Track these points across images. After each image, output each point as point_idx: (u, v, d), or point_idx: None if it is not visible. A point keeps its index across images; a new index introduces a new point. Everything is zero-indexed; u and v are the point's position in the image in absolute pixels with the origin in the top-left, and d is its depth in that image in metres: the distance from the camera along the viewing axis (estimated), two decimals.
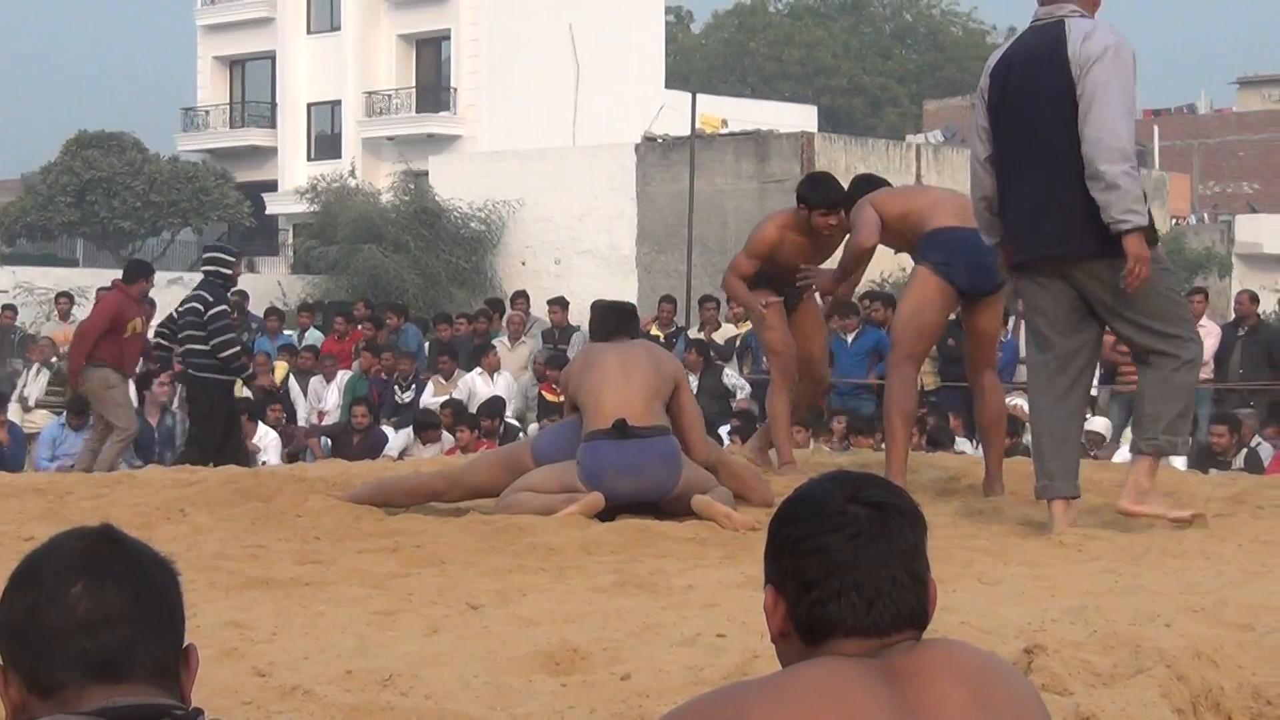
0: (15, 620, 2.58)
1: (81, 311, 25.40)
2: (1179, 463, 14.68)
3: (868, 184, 10.20)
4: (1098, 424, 16.28)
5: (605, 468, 8.63)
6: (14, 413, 19.41)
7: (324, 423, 20.55)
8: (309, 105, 54.39)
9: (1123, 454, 15.44)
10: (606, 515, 8.58)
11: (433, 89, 52.73)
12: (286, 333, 24.20)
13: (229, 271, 15.44)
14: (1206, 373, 18.05)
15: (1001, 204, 8.19)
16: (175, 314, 15.96)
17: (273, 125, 55.10)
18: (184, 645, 2.67)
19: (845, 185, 10.47)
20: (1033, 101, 7.95)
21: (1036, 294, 8.18)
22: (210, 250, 16.34)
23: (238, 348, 15.55)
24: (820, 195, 10.34)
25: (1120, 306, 7.96)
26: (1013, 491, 9.62)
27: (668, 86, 52.51)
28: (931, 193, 10.04)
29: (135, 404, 17.49)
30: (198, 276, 17.88)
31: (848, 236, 10.03)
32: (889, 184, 10.33)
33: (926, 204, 9.58)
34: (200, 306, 15.11)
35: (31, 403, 20.56)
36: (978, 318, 9.70)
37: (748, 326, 19.59)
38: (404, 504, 9.15)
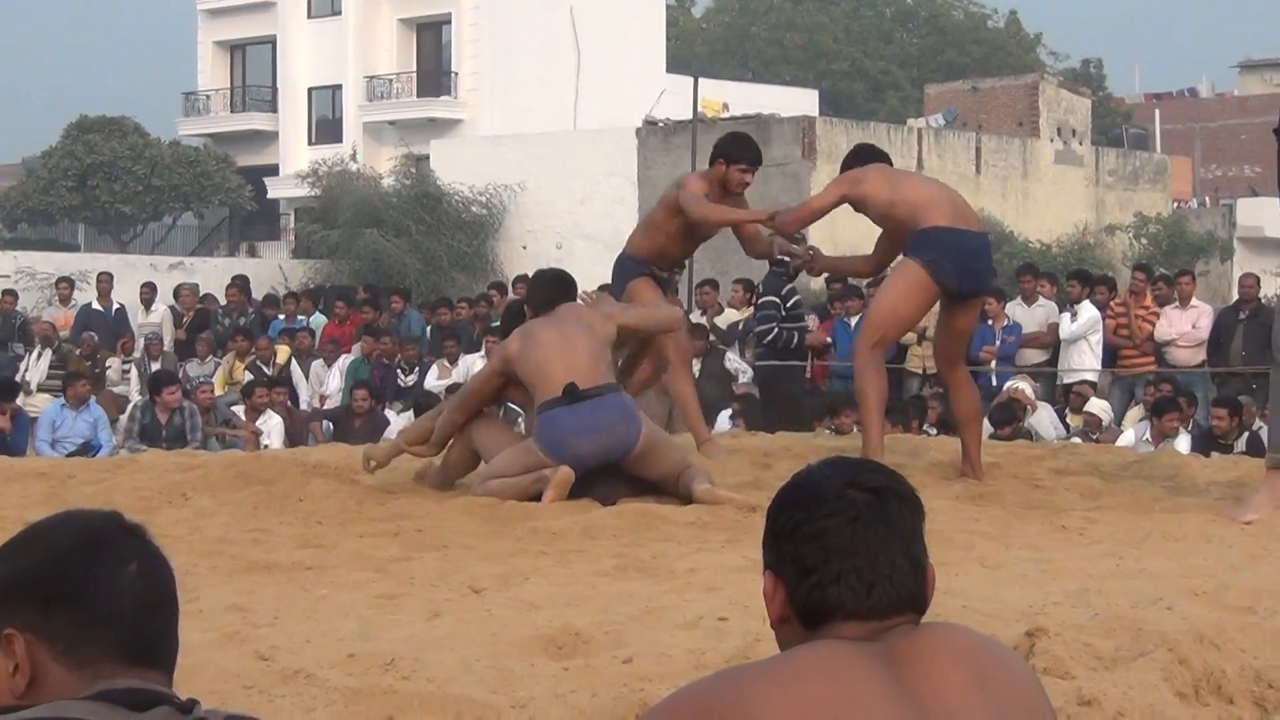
0: (63, 589, 2.56)
1: (82, 296, 25.46)
2: (1182, 446, 14.70)
3: (869, 153, 10.11)
4: (1096, 406, 16.27)
5: (563, 434, 8.60)
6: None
7: (325, 406, 20.57)
8: (310, 89, 54.33)
9: (1126, 438, 15.45)
10: (577, 486, 8.56)
11: (434, 73, 52.68)
12: (300, 317, 24.20)
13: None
14: (1202, 354, 18.08)
15: None
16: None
17: (274, 109, 55.04)
18: None
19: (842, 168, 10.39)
20: None
21: None
22: None
23: (776, 330, 14.88)
24: (743, 150, 10.30)
25: None
26: (1014, 475, 9.63)
27: (669, 70, 52.44)
28: (926, 187, 9.88)
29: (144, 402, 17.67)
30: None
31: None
32: (888, 158, 10.20)
33: (920, 200, 9.51)
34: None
35: (34, 386, 20.57)
36: (958, 318, 9.77)
37: (749, 312, 19.58)
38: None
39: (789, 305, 17.10)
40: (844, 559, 2.80)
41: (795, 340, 16.95)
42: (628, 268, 10.75)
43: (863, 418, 9.83)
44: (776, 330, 15.23)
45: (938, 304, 9.77)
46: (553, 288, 9.45)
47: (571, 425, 8.61)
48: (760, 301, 14.51)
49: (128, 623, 2.54)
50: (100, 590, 2.55)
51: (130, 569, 2.57)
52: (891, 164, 10.13)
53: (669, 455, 8.81)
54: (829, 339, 18.70)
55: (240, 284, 25.61)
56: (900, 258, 9.66)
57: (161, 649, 2.59)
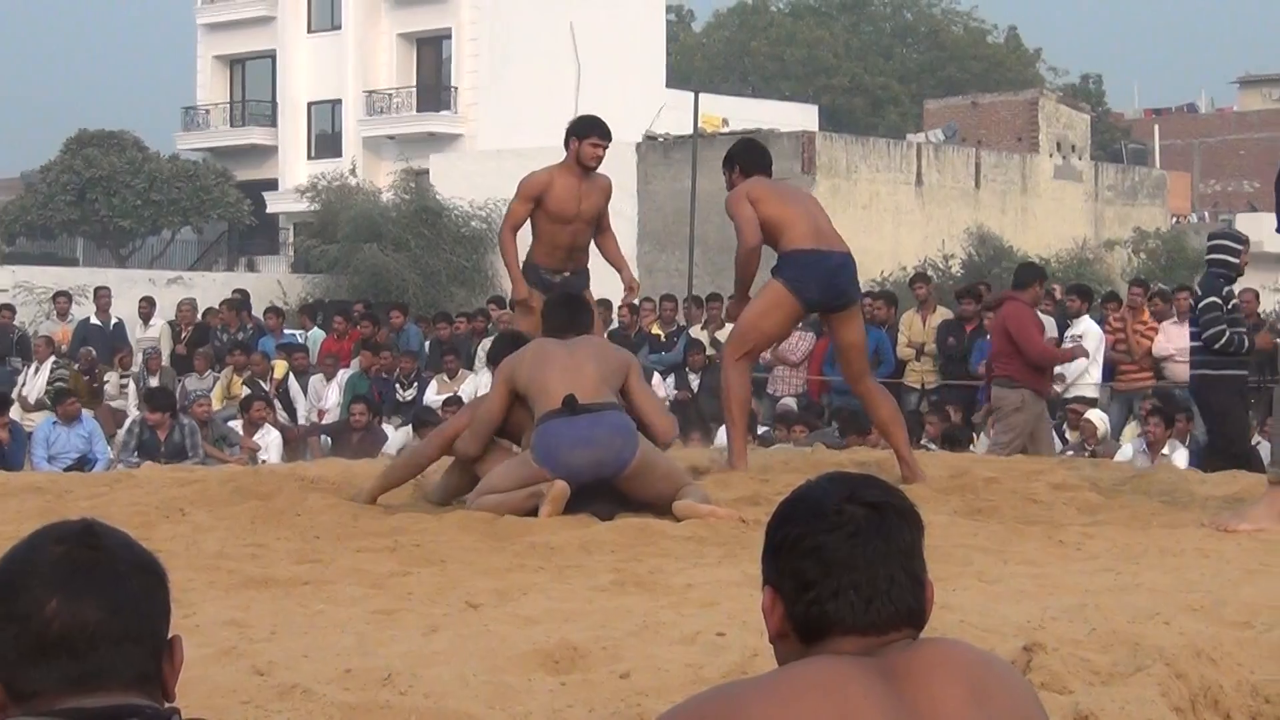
0: (12, 620, 2.54)
1: (80, 311, 25.46)
2: (1180, 460, 14.69)
3: (752, 157, 10.51)
4: (1093, 415, 16.26)
5: (558, 445, 8.59)
6: (14, 411, 19.40)
7: (323, 421, 20.56)
8: (309, 104, 54.39)
9: (1124, 453, 15.45)
10: (573, 502, 8.56)
11: (433, 88, 52.73)
12: (288, 332, 24.17)
13: (1235, 260, 14.13)
14: None
15: None
16: None
17: (273, 124, 55.09)
18: (169, 640, 2.64)
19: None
20: None
21: None
22: (1214, 237, 14.88)
23: (1228, 335, 14.35)
24: (593, 125, 10.84)
25: None
26: (1012, 490, 9.63)
27: (669, 85, 52.52)
28: (792, 208, 10.31)
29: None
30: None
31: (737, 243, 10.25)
32: (770, 160, 10.67)
33: (787, 221, 10.09)
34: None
35: (31, 401, 20.58)
36: (841, 332, 10.42)
37: None
38: (408, 478, 9.26)
39: (1229, 308, 15.84)
40: (843, 574, 2.81)
41: (1247, 344, 15.48)
42: (528, 276, 11.08)
43: (727, 426, 10.53)
44: (1228, 334, 14.33)
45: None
46: (562, 311, 9.48)
47: (567, 436, 8.60)
48: (1202, 305, 13.85)
49: (53, 658, 2.51)
50: (14, 630, 2.53)
51: (49, 606, 2.52)
52: (772, 167, 10.69)
53: (667, 477, 8.79)
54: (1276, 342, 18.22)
55: (240, 298, 25.63)
56: (768, 278, 10.20)
57: (108, 674, 2.53)
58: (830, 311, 10.37)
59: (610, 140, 10.87)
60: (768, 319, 10.17)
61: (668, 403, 18.29)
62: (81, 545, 2.61)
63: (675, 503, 8.55)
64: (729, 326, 21.47)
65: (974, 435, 16.77)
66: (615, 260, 11.47)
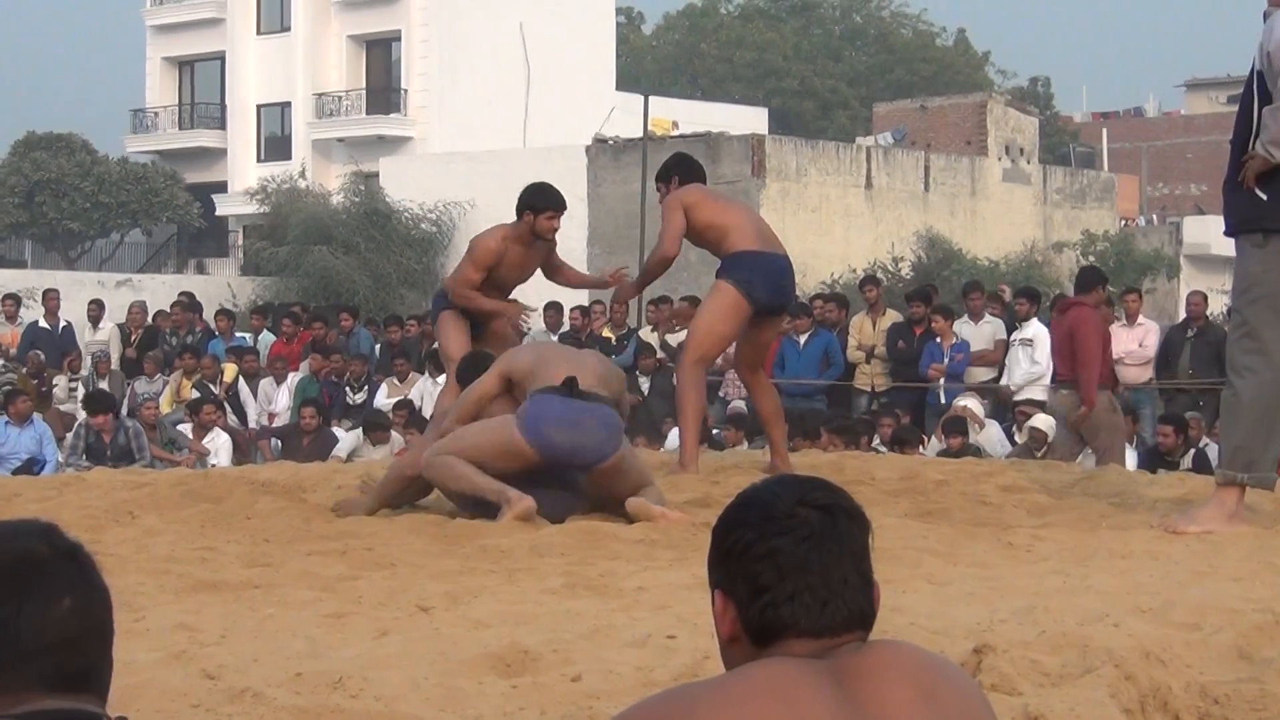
0: None
1: (28, 314, 25.32)
2: (1130, 461, 14.77)
3: (688, 168, 10.57)
4: (1040, 422, 16.32)
5: (547, 418, 8.58)
6: None
7: (274, 424, 20.50)
8: (259, 106, 54.25)
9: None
10: (537, 479, 8.57)
11: (383, 90, 52.65)
12: (239, 335, 24.10)
13: None
14: (1149, 371, 18.15)
15: None
16: None
17: (222, 126, 54.93)
18: None
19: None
20: None
21: None
22: None
23: None
24: (547, 199, 10.60)
25: None
26: (962, 492, 9.66)
27: (619, 88, 52.56)
28: (735, 211, 10.50)
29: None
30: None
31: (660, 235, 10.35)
32: (702, 170, 10.74)
33: (731, 224, 10.19)
34: None
35: None
36: (764, 332, 10.56)
37: None
38: (403, 500, 9.15)
39: None
40: (798, 577, 2.81)
41: None
42: (438, 301, 11.17)
43: (681, 430, 10.71)
44: None
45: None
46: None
47: (557, 412, 8.60)
48: None
49: (58, 656, 2.51)
50: (30, 627, 2.52)
51: (64, 604, 2.53)
52: (705, 177, 10.79)
53: (636, 482, 8.81)
54: None
55: (188, 300, 25.53)
56: (717, 279, 10.25)
57: (94, 676, 2.57)
58: (769, 314, 10.42)
59: (565, 209, 10.73)
60: (724, 322, 10.17)
61: None
62: (69, 554, 2.60)
63: (629, 499, 8.56)
64: (681, 330, 21.60)
65: (924, 438, 16.81)
66: (580, 282, 11.79)
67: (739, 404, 19.04)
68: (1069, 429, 14.65)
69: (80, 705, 2.53)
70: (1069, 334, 14.49)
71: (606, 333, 21.68)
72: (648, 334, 21.42)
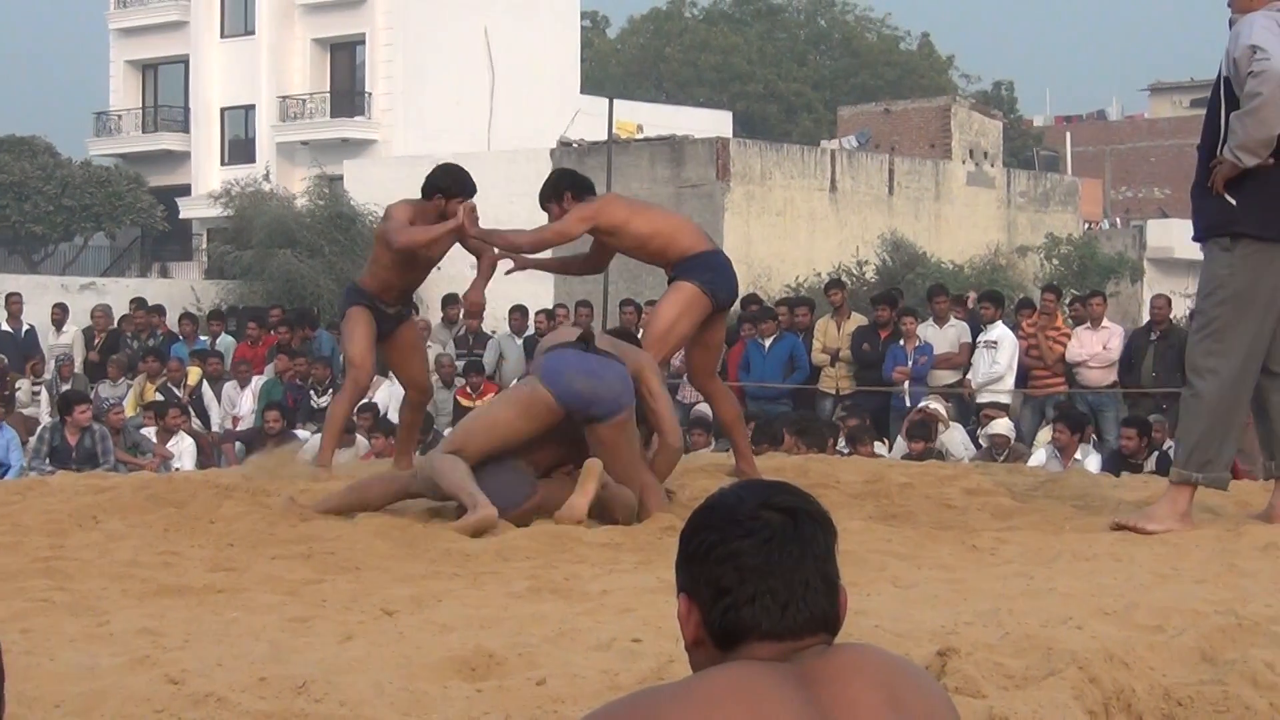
0: None
1: None
2: (1092, 465, 14.79)
3: (578, 182, 10.40)
4: (1001, 426, 16.36)
5: (566, 368, 8.74)
6: None
7: (238, 428, 20.44)
8: (223, 109, 54.15)
9: (1037, 458, 15.54)
10: (559, 430, 8.70)
11: (347, 93, 52.59)
12: (202, 338, 24.00)
13: None
14: (1113, 374, 18.19)
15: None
16: None
17: (186, 129, 54.82)
18: None
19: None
20: None
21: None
22: None
23: None
24: (460, 184, 10.47)
25: None
26: (926, 496, 9.67)
27: (583, 91, 52.58)
28: (666, 215, 10.54)
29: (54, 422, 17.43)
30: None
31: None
32: (593, 184, 10.63)
33: (671, 229, 10.11)
34: None
35: None
36: (713, 332, 10.39)
37: None
38: (379, 505, 9.07)
39: None
40: (759, 580, 2.81)
41: None
42: (350, 295, 11.00)
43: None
44: None
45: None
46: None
47: (575, 363, 8.77)
48: None
49: None
50: None
51: None
52: (595, 189, 10.61)
53: (634, 458, 8.86)
54: None
55: (138, 305, 25.41)
56: (674, 281, 10.03)
57: None
58: (719, 310, 10.34)
59: (475, 193, 10.52)
60: (685, 321, 10.07)
61: None
62: None
63: (589, 460, 8.62)
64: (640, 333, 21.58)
65: (883, 438, 16.83)
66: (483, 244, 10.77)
67: (703, 407, 19.03)
68: None
69: None
70: None
71: None
72: None
